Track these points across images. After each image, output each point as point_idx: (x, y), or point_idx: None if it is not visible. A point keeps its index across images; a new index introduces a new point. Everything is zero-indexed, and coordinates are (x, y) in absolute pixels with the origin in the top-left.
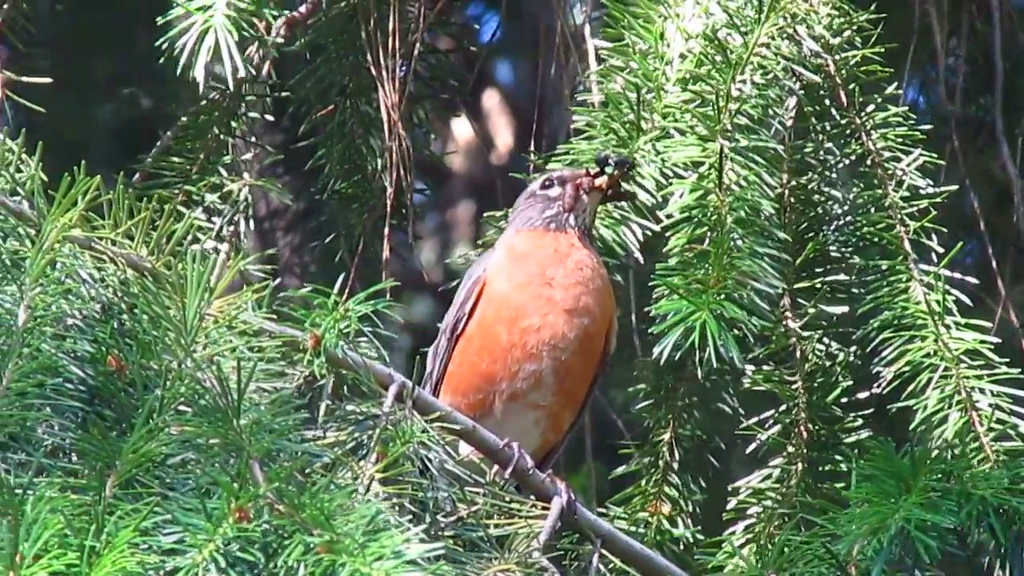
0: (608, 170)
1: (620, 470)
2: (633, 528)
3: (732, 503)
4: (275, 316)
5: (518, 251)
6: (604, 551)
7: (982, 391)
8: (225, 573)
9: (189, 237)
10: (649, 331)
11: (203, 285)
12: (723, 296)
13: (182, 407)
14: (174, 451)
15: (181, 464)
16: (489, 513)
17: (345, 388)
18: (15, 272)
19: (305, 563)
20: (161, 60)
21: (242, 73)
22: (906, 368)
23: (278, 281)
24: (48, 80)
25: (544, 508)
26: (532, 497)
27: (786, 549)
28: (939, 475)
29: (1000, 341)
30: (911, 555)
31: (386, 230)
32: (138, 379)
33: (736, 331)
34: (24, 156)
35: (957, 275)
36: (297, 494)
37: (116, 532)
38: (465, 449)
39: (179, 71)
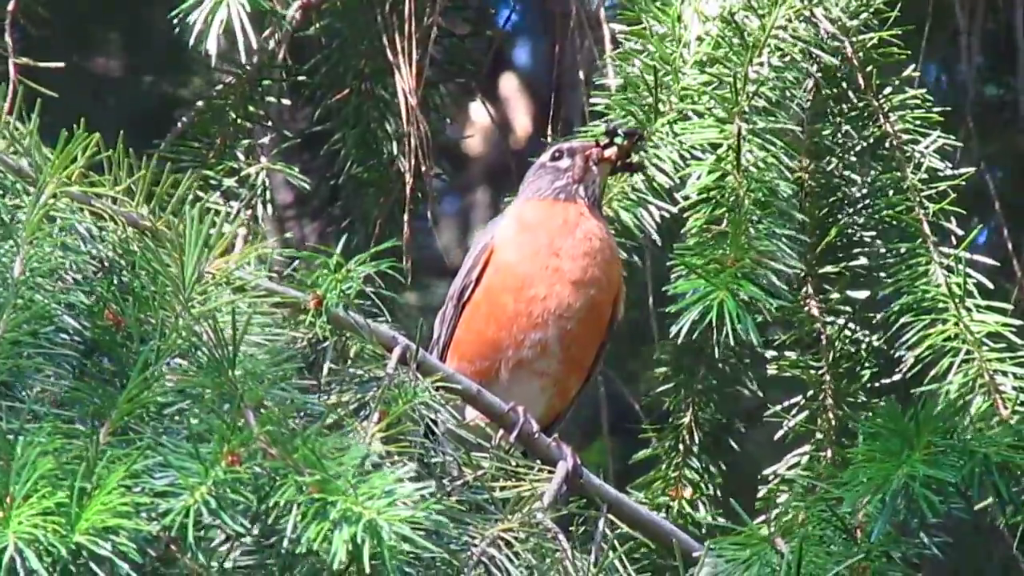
0: (617, 141)
1: (640, 454)
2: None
3: (762, 491)
4: (275, 277)
5: (527, 220)
6: (611, 516)
7: (1005, 374)
8: (217, 515)
9: (190, 196)
10: (666, 310)
11: (202, 242)
12: (741, 276)
13: (178, 359)
14: (169, 400)
15: (176, 414)
16: (495, 476)
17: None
18: (13, 228)
19: (297, 503)
20: (176, 31)
21: (255, 46)
22: (928, 352)
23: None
24: (61, 64)
25: (550, 472)
26: (538, 461)
27: (791, 512)
28: (942, 433)
29: (1022, 323)
30: (915, 514)
31: (405, 216)
32: (135, 332)
33: (755, 312)
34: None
35: (977, 257)
36: (290, 437)
37: (107, 474)
38: (471, 414)
39: (191, 43)
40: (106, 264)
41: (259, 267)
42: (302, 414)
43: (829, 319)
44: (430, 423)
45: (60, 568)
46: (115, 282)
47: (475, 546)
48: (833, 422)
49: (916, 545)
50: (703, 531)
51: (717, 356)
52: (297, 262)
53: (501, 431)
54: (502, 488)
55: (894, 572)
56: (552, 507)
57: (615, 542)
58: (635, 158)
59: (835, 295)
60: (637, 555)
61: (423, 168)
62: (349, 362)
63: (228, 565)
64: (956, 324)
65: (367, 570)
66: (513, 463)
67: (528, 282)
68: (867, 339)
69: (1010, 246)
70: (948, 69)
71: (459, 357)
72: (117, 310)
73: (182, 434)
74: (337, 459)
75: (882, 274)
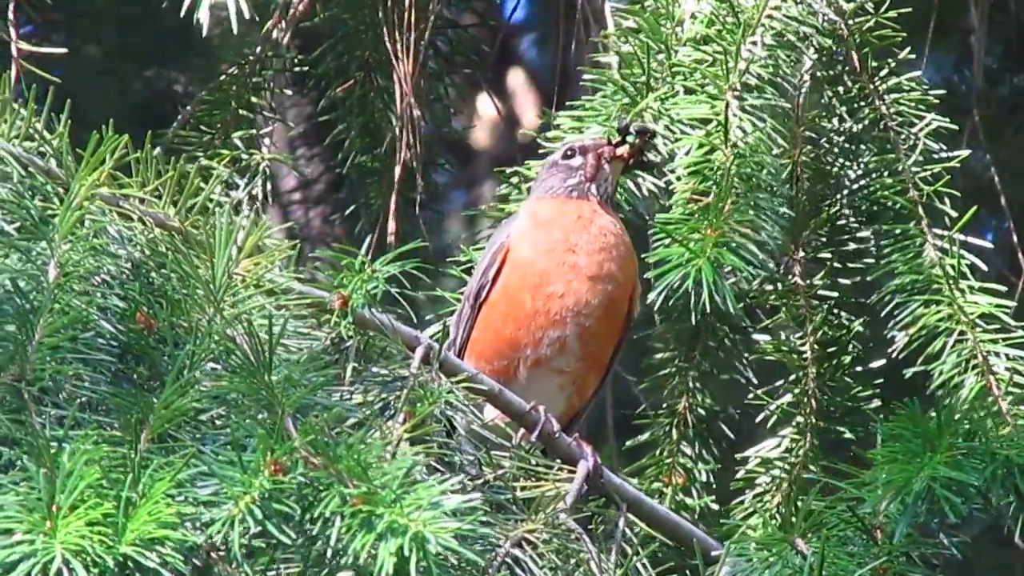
0: (629, 139)
1: (631, 442)
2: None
3: (740, 472)
4: (302, 279)
5: (541, 217)
6: (630, 515)
7: (998, 355)
8: (261, 525)
9: (216, 196)
10: (645, 276)
11: (231, 244)
12: (720, 244)
13: (212, 364)
14: (205, 406)
15: (213, 420)
16: (515, 476)
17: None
18: (44, 229)
19: (342, 514)
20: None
21: (247, 15)
22: (922, 332)
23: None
24: (64, 51)
25: (570, 471)
26: (558, 461)
27: (811, 514)
28: (964, 435)
29: (1016, 305)
30: (936, 516)
31: (416, 208)
32: (168, 336)
33: (737, 281)
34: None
35: (972, 239)
36: (333, 447)
37: (152, 483)
38: (490, 413)
39: (183, 13)
40: (136, 266)
41: (285, 267)
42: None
43: (815, 303)
44: (449, 422)
45: None
46: (145, 284)
47: (499, 547)
48: (814, 405)
49: (935, 546)
50: (696, 516)
51: (711, 339)
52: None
53: (522, 430)
54: (523, 488)
55: (915, 573)
56: (574, 507)
57: (637, 543)
58: (648, 156)
59: (821, 280)
60: (656, 555)
61: (414, 155)
62: (372, 363)
63: (269, 574)
64: (950, 305)
65: None
66: (533, 462)
67: (546, 279)
68: (852, 323)
69: (1015, 238)
70: (958, 70)
71: (477, 357)
72: (149, 313)
73: (220, 441)
74: (381, 469)
75: (870, 260)
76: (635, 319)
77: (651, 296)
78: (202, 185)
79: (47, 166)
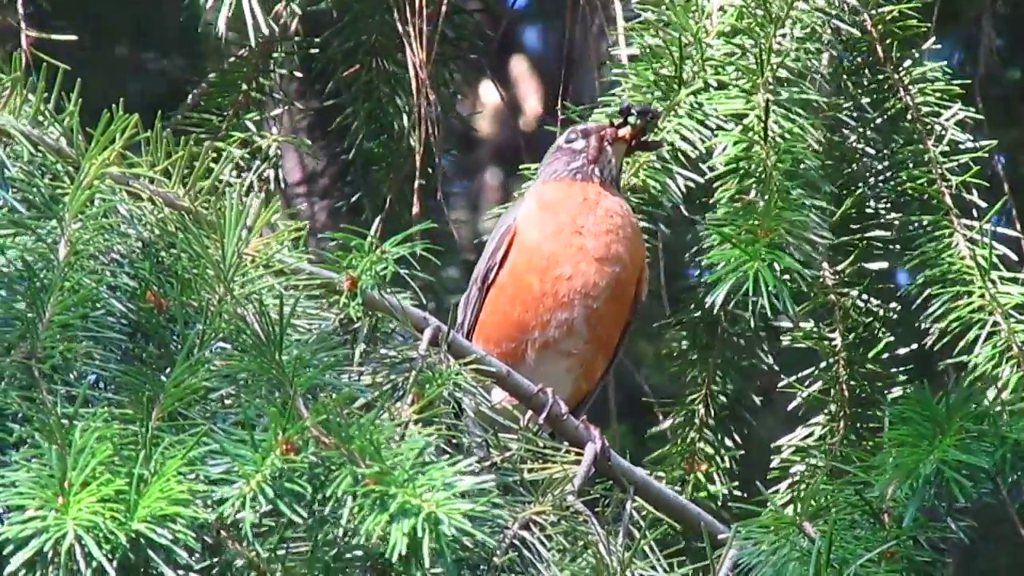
0: (631, 120)
1: (655, 429)
2: (670, 487)
3: (775, 461)
4: (312, 259)
5: (547, 200)
6: (637, 498)
7: None
8: (273, 504)
9: (226, 177)
10: (700, 279)
11: (241, 224)
12: (774, 246)
13: (222, 343)
14: (216, 385)
15: (223, 399)
16: (523, 458)
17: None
18: (55, 208)
19: (354, 494)
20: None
21: (264, 31)
22: (954, 324)
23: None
24: (74, 37)
25: (578, 454)
26: (566, 443)
27: (819, 497)
28: (973, 418)
29: None
30: (945, 500)
31: (415, 188)
32: (178, 315)
33: (789, 282)
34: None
35: (1001, 229)
36: (345, 426)
37: (164, 461)
38: (498, 395)
39: (200, 27)
40: (146, 245)
41: (295, 248)
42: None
43: (843, 290)
44: (457, 404)
45: (118, 555)
46: (155, 264)
47: (507, 528)
48: (846, 393)
49: (943, 530)
50: (719, 504)
51: (733, 330)
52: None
53: (529, 412)
54: (530, 470)
55: (922, 556)
56: (581, 489)
57: (644, 526)
58: (651, 137)
59: (850, 268)
60: (665, 538)
61: (433, 142)
62: (380, 344)
63: (281, 552)
64: (982, 296)
65: (427, 564)
66: (541, 444)
67: (553, 261)
68: (881, 310)
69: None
70: (964, 57)
71: (485, 339)
72: (160, 292)
73: (230, 419)
74: (393, 449)
75: (898, 247)
76: (642, 302)
77: (708, 299)
78: (212, 165)
79: (57, 145)
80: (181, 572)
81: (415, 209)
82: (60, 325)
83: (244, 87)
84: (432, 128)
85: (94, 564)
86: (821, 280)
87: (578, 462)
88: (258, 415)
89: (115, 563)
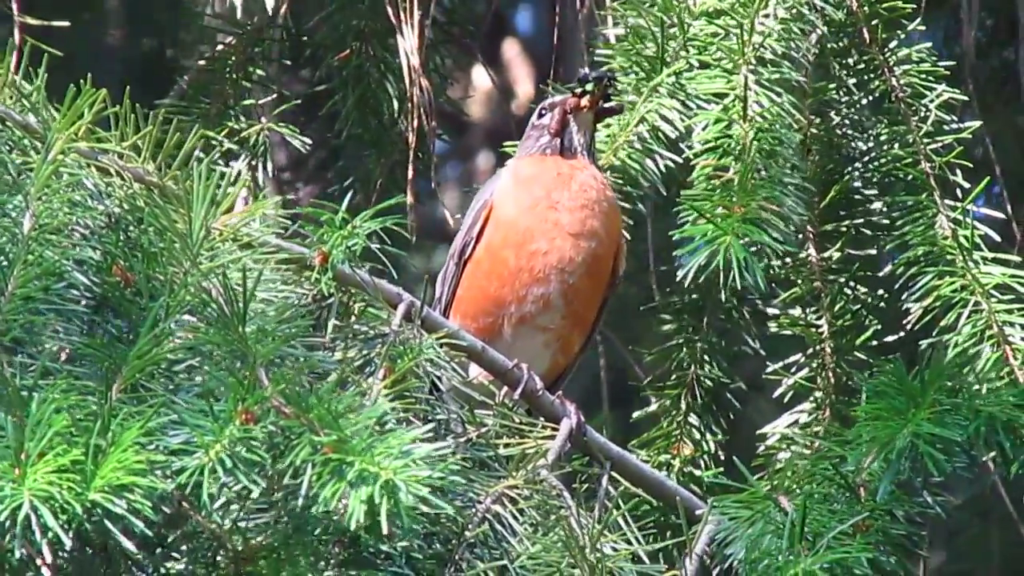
0: (588, 88)
1: (639, 413)
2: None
3: (761, 448)
4: (282, 233)
5: (522, 175)
6: (614, 473)
7: (1013, 324)
8: (232, 473)
9: (196, 152)
10: (674, 254)
11: (209, 198)
12: (748, 221)
13: (187, 315)
14: (179, 357)
15: (186, 371)
16: (499, 433)
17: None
18: (21, 184)
19: (312, 462)
20: None
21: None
22: (936, 304)
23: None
24: (67, 24)
25: (553, 429)
26: (542, 419)
27: (794, 471)
28: (947, 392)
29: None
30: (920, 473)
31: (409, 176)
32: (144, 289)
33: (762, 258)
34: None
35: (984, 210)
36: (304, 396)
37: (122, 431)
38: (475, 371)
39: None
40: (113, 220)
41: (264, 224)
42: (314, 372)
43: (830, 277)
44: (434, 380)
45: (75, 526)
46: (122, 238)
47: (480, 503)
48: (832, 380)
49: (919, 504)
50: (704, 488)
51: (719, 310)
52: (300, 220)
53: (505, 388)
54: (506, 445)
55: (898, 530)
56: (556, 464)
57: (619, 499)
58: (613, 102)
59: (836, 253)
60: (639, 512)
61: (426, 129)
62: (353, 318)
63: (241, 524)
64: (964, 276)
65: (385, 530)
66: (517, 420)
67: (529, 236)
68: (868, 297)
69: (1010, 209)
70: (948, 43)
71: (462, 315)
72: (126, 266)
73: (193, 391)
74: (352, 419)
75: (882, 232)
76: (620, 277)
77: (679, 273)
78: (183, 138)
79: (24, 120)
80: (139, 542)
81: (409, 197)
82: (22, 298)
83: (232, 75)
84: (426, 116)
85: (50, 534)
86: (808, 266)
87: (554, 437)
88: (219, 386)
89: (71, 533)
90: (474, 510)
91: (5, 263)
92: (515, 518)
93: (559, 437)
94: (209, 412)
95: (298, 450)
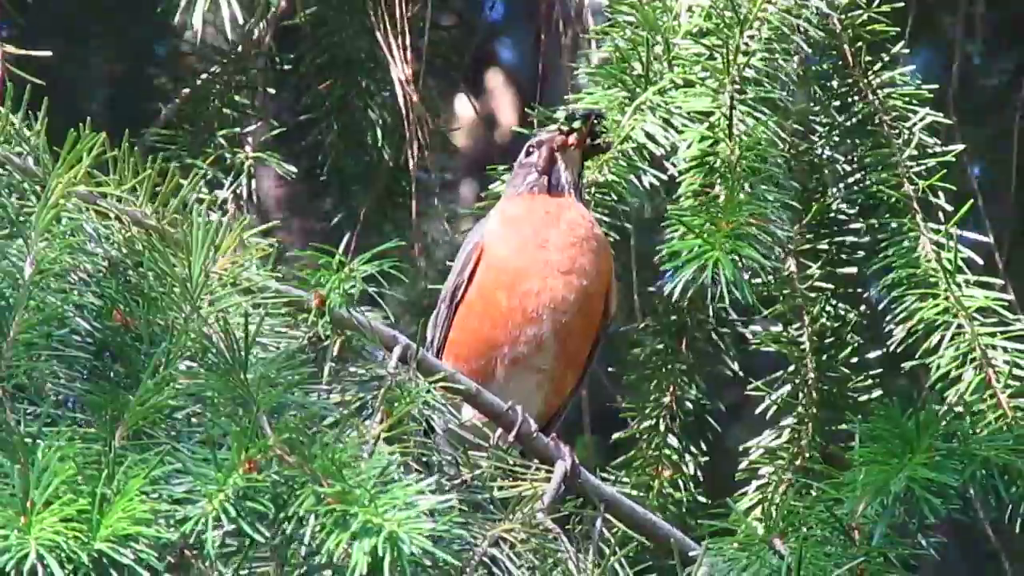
0: (576, 125)
1: (619, 434)
2: (635, 492)
3: (744, 463)
4: (280, 278)
5: (510, 215)
6: (607, 515)
7: (995, 348)
8: (235, 523)
9: (194, 196)
10: (661, 268)
11: (209, 243)
12: (735, 236)
13: (188, 362)
14: (181, 404)
15: (187, 418)
16: (493, 476)
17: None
18: (21, 227)
19: (316, 513)
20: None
21: (240, 20)
22: (919, 326)
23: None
24: (49, 53)
25: (548, 472)
26: (536, 461)
27: (789, 513)
28: (943, 436)
29: (1012, 299)
30: (915, 517)
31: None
32: (144, 334)
33: (751, 273)
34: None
35: (967, 233)
36: (308, 445)
37: (127, 480)
38: (468, 413)
39: (175, 18)
40: (113, 264)
41: (263, 266)
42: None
43: (812, 295)
44: (429, 422)
45: (81, 574)
46: (122, 282)
47: (476, 546)
48: (815, 396)
49: (913, 546)
50: (684, 510)
51: (699, 331)
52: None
53: (499, 430)
54: (500, 488)
55: (892, 574)
56: (551, 507)
57: (615, 543)
58: (601, 140)
59: (818, 271)
60: (633, 555)
61: (420, 160)
62: (349, 361)
63: (244, 572)
64: (947, 298)
65: None
66: (511, 462)
67: (520, 276)
68: (849, 314)
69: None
70: (939, 64)
71: (455, 357)
72: (126, 311)
73: (195, 438)
74: (356, 468)
75: (862, 252)
76: (612, 317)
77: (667, 288)
78: (181, 182)
79: (24, 164)
80: None
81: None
82: (24, 344)
83: (217, 103)
84: (422, 144)
85: None
86: (790, 283)
87: (548, 479)
88: (222, 434)
89: None
90: (471, 553)
91: (7, 308)
92: (512, 561)
93: (554, 479)
94: (212, 460)
95: (301, 500)
